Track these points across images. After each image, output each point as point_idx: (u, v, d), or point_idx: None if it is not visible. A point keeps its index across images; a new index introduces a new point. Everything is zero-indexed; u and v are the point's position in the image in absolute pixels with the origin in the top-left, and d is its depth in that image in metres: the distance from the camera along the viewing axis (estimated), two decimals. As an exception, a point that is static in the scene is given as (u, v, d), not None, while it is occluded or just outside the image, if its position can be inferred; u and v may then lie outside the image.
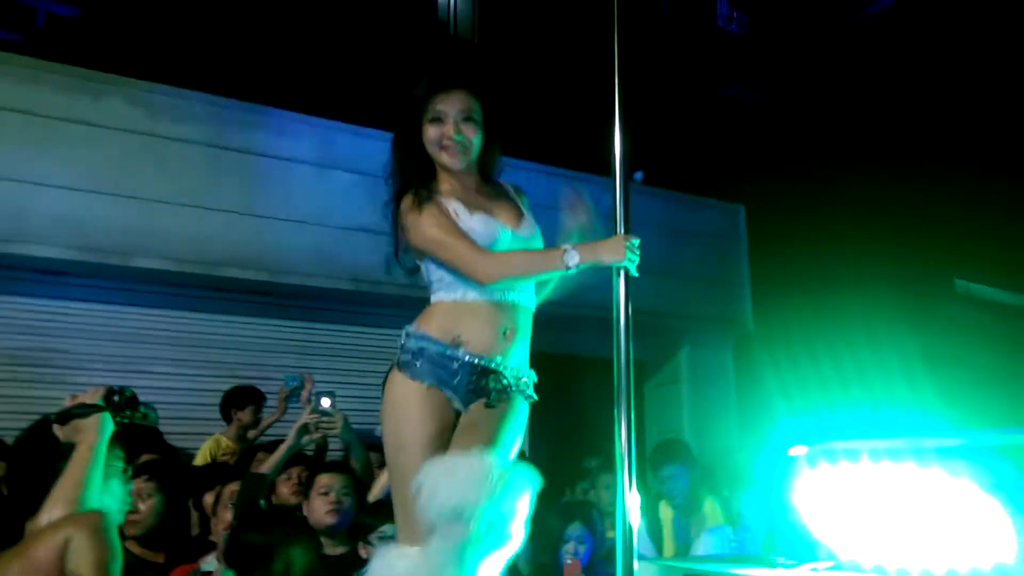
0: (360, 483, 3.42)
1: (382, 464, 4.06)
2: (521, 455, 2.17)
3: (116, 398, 2.10)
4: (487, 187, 2.33)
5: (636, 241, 2.11)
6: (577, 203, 2.34)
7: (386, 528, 2.86)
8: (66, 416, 2.05)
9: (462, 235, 2.12)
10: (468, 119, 2.21)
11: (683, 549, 4.07)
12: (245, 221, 5.43)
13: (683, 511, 4.20)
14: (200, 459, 4.45)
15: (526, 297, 2.24)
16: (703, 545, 3.76)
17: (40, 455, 2.12)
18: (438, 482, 1.84)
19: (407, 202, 2.18)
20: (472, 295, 2.15)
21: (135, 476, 3.07)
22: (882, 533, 1.80)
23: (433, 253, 2.15)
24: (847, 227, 7.03)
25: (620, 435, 2.12)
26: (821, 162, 7.56)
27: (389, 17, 9.30)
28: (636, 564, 2.05)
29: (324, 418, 3.43)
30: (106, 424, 2.05)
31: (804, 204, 7.43)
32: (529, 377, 2.26)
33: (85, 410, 2.04)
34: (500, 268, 2.12)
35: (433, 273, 2.21)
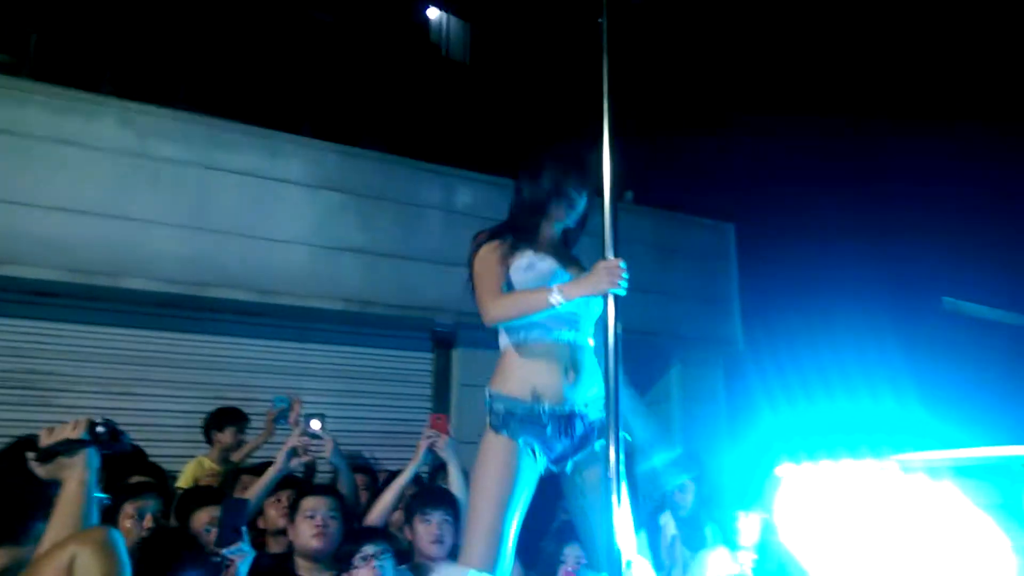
0: (347, 507, 3.38)
1: (367, 487, 4.03)
2: None
3: (100, 430, 1.96)
4: (561, 244, 2.62)
5: (623, 264, 2.19)
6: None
7: (367, 548, 2.82)
8: (49, 454, 1.91)
9: (493, 277, 2.39)
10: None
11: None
12: (235, 241, 5.41)
13: (689, 526, 4.14)
14: (183, 481, 4.40)
15: (581, 335, 2.44)
16: (701, 567, 3.73)
17: (14, 483, 2.04)
18: None
19: (480, 242, 2.50)
20: (535, 335, 2.39)
21: (132, 497, 3.05)
22: (872, 551, 1.79)
23: (473, 283, 2.45)
24: (836, 245, 7.08)
25: (610, 454, 2.12)
26: (809, 181, 7.62)
27: (381, 39, 9.37)
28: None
29: (313, 441, 3.39)
30: (93, 458, 1.94)
31: (793, 223, 7.47)
32: (600, 396, 2.38)
33: (71, 447, 1.91)
34: (498, 309, 2.35)
35: None
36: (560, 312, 2.34)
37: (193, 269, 5.24)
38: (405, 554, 3.20)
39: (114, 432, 1.97)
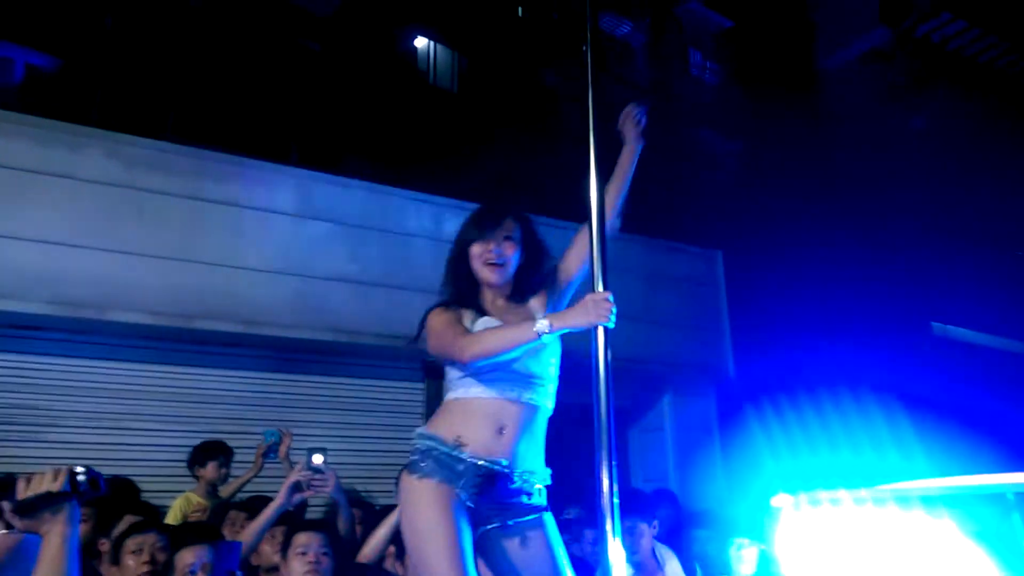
0: (341, 542, 3.33)
1: (364, 520, 3.98)
2: None
3: (81, 479, 1.81)
4: (514, 302, 2.46)
5: (610, 297, 2.15)
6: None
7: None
8: (30, 507, 1.77)
9: (454, 325, 2.27)
10: (507, 238, 2.42)
11: None
12: (222, 272, 5.38)
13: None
14: (171, 517, 4.33)
15: (537, 397, 2.31)
16: None
17: None
18: None
19: (432, 312, 2.38)
20: (475, 391, 2.26)
21: (135, 534, 3.00)
22: (870, 583, 1.77)
23: (431, 346, 2.31)
24: (824, 270, 7.11)
25: (603, 485, 2.09)
26: (796, 206, 7.67)
27: (368, 68, 9.43)
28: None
29: (316, 476, 3.34)
30: (75, 512, 1.83)
31: (781, 248, 7.52)
32: (542, 478, 2.32)
33: (53, 501, 1.77)
34: (476, 345, 2.19)
35: (448, 373, 2.36)
36: (515, 369, 2.25)
37: (180, 301, 5.20)
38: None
39: (95, 480, 1.85)
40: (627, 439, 7.43)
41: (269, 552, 3.37)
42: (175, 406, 5.34)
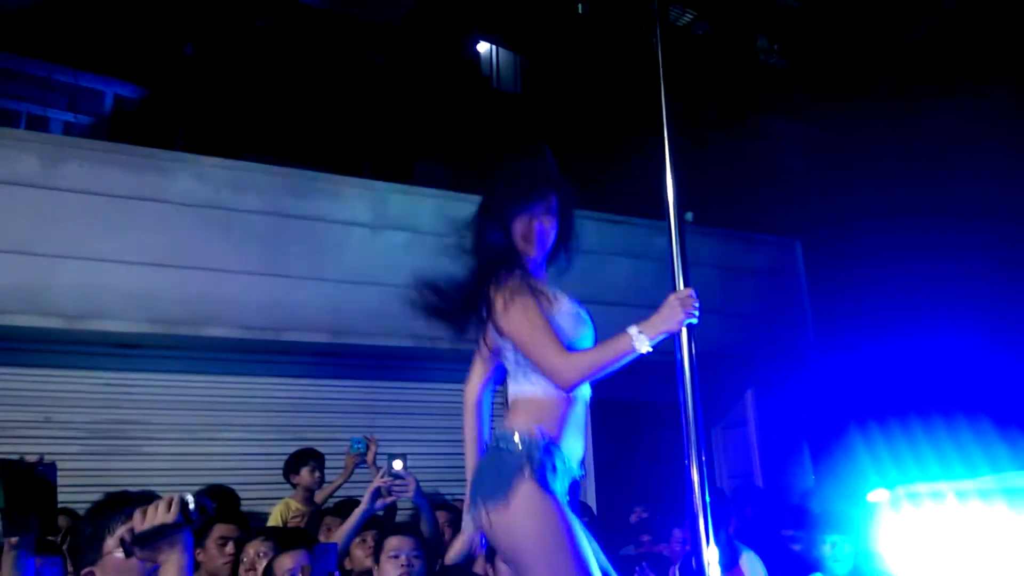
0: (429, 546, 3.40)
1: (449, 523, 4.04)
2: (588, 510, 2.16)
3: (192, 508, 1.88)
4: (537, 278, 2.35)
5: (693, 292, 2.12)
6: None
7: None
8: (148, 539, 1.83)
9: (551, 333, 2.12)
10: (549, 212, 2.32)
11: None
12: (307, 285, 5.55)
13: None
14: (272, 523, 4.50)
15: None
16: None
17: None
18: None
19: (509, 283, 2.19)
20: (570, 393, 2.16)
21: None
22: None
23: (519, 344, 2.17)
24: (909, 257, 6.86)
25: (694, 483, 2.06)
26: (877, 192, 7.42)
27: (433, 76, 9.55)
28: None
29: (397, 481, 3.42)
30: (189, 541, 1.90)
31: (863, 235, 7.28)
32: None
33: (171, 533, 1.83)
34: (578, 372, 2.09)
35: (523, 357, 2.21)
36: None
37: (268, 314, 5.38)
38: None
39: (204, 508, 1.94)
40: (710, 435, 7.33)
41: (361, 556, 3.46)
42: (267, 415, 5.54)
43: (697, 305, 2.11)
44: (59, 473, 2.30)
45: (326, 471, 4.85)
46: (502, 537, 2.06)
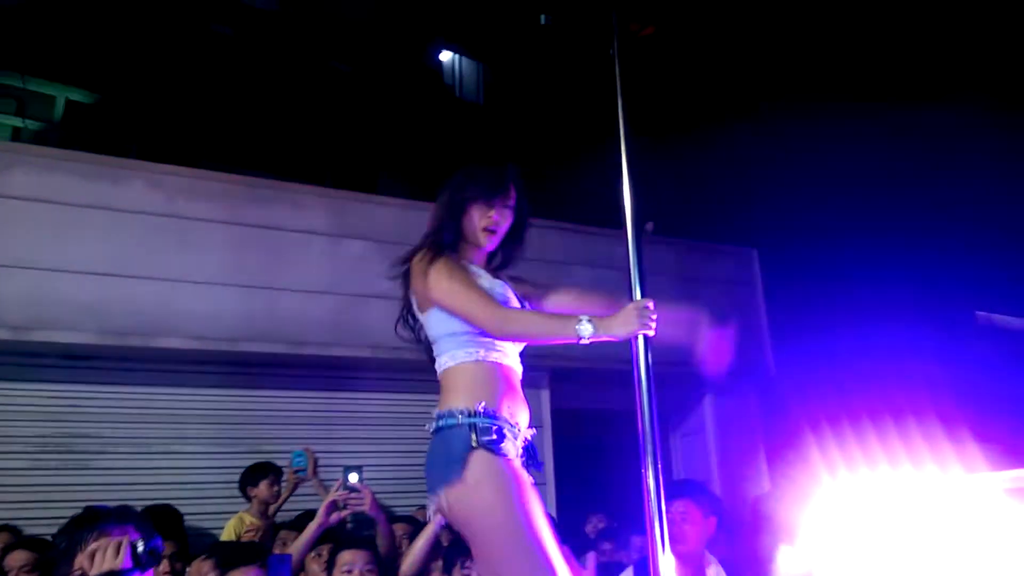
0: (383, 559, 3.36)
1: (408, 536, 4.00)
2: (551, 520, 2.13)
3: (140, 550, 1.85)
4: (487, 271, 2.38)
5: (650, 304, 2.12)
6: None
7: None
8: None
9: (476, 286, 2.15)
10: (507, 207, 2.34)
11: None
12: (263, 295, 5.48)
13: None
14: (226, 537, 4.41)
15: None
16: None
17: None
18: None
19: (423, 253, 2.22)
20: (494, 356, 2.16)
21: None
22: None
23: (442, 300, 2.16)
24: (864, 263, 7.01)
25: (650, 492, 2.06)
26: (832, 198, 7.57)
27: (397, 86, 9.52)
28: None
29: (352, 494, 3.38)
30: None
31: (818, 243, 7.42)
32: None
33: None
34: (515, 324, 2.12)
35: (442, 325, 2.20)
36: None
37: (223, 325, 5.29)
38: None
39: (153, 550, 1.90)
40: (668, 443, 7.38)
41: (316, 571, 3.40)
42: (221, 428, 5.43)
43: (655, 317, 2.12)
44: (5, 489, 2.23)
45: (281, 485, 4.78)
46: (460, 510, 2.01)
